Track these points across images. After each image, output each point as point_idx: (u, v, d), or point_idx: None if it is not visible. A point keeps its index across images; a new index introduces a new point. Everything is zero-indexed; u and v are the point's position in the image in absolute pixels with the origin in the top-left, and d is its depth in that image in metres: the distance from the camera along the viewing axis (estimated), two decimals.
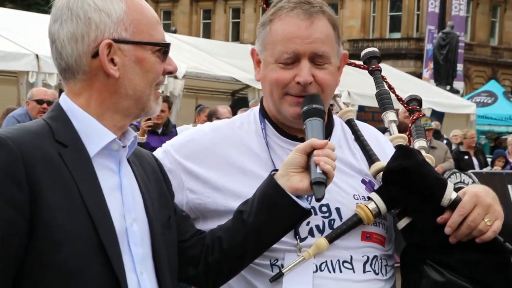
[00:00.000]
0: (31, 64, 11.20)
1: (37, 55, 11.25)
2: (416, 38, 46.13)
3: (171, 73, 1.96)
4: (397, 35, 49.65)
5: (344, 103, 2.51)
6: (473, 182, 12.10)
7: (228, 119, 2.41)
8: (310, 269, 2.14)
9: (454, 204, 2.15)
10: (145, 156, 2.09)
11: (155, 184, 2.04)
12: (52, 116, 1.89)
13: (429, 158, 2.34)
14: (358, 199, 2.24)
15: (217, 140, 2.28)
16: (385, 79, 2.54)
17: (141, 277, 1.87)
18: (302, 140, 2.19)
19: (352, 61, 2.53)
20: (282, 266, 2.16)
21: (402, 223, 2.22)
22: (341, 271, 2.17)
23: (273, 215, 2.04)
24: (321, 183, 1.98)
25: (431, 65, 26.70)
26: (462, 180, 12.02)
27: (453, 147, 14.00)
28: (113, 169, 1.90)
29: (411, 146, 2.40)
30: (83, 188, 1.79)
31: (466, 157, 13.50)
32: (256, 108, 2.35)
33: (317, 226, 2.18)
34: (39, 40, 12.16)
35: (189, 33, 46.97)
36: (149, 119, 7.85)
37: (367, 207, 2.20)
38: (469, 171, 12.46)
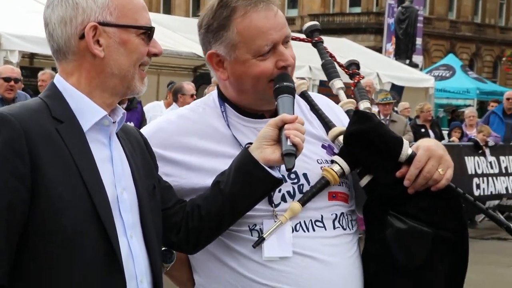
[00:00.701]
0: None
1: None
2: (376, 12, 46.43)
3: (156, 55, 2.11)
4: (357, 10, 49.92)
5: (299, 77, 2.64)
6: None
7: (190, 105, 2.55)
8: (289, 231, 2.33)
9: (410, 159, 2.34)
10: (132, 132, 2.25)
11: (141, 157, 2.19)
12: (48, 95, 2.04)
13: (352, 104, 2.58)
14: (321, 163, 2.43)
15: (184, 126, 2.43)
16: (327, 49, 2.70)
17: (131, 241, 2.04)
18: (262, 117, 2.40)
19: (296, 35, 2.69)
20: (261, 230, 2.33)
21: (364, 180, 2.41)
22: (314, 230, 2.35)
23: (247, 184, 2.21)
24: (291, 154, 2.15)
25: (394, 39, 26.95)
26: None
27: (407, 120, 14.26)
28: (104, 142, 2.06)
29: (358, 108, 2.58)
30: (79, 160, 1.94)
31: (423, 130, 13.73)
32: (214, 93, 2.50)
33: (288, 192, 2.36)
34: (1, 17, 12.15)
35: (149, 8, 46.66)
36: None
37: (332, 169, 2.38)
38: None
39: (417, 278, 2.38)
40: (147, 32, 2.07)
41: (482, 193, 13.28)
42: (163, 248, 2.37)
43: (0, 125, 1.86)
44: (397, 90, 18.42)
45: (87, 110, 2.02)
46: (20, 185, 1.85)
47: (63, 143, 1.93)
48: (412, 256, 2.37)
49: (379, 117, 12.15)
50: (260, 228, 2.33)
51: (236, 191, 2.22)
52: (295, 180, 2.37)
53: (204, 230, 2.27)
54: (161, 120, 2.49)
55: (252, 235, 2.33)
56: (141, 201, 2.10)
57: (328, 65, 2.67)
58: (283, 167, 2.21)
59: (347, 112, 2.57)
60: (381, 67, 18.73)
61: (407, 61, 24.68)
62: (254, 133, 2.37)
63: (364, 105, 2.59)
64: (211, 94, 2.52)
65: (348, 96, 2.64)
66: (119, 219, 2.01)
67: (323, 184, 2.36)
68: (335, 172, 2.37)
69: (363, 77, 2.70)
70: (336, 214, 2.41)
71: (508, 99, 14.58)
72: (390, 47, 26.88)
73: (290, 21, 51.30)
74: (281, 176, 2.24)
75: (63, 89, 2.03)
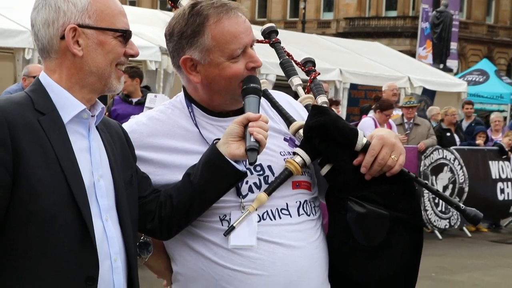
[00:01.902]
0: (27, 41, 11.26)
1: None
2: (412, 16, 46.25)
3: (133, 56, 2.31)
4: (393, 13, 49.77)
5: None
6: (455, 158, 12.45)
7: (159, 107, 2.73)
8: (254, 220, 2.50)
9: (365, 147, 2.54)
10: (113, 125, 2.45)
11: (120, 149, 2.39)
12: (33, 89, 2.25)
13: (311, 99, 2.78)
14: (284, 155, 2.61)
15: (154, 127, 2.61)
16: (284, 49, 2.88)
17: (106, 223, 2.23)
18: (227, 115, 2.60)
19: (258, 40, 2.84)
20: (231, 220, 2.52)
21: (325, 169, 2.60)
22: (280, 217, 2.53)
23: (214, 176, 2.41)
24: (254, 149, 2.35)
25: (431, 43, 26.87)
26: (444, 156, 12.35)
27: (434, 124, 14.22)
28: (83, 134, 2.25)
29: (316, 102, 2.78)
30: (58, 149, 2.13)
31: (448, 134, 13.80)
32: (181, 95, 2.68)
33: (255, 183, 2.54)
34: None
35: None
36: None
37: (294, 160, 2.56)
38: (452, 147, 12.77)
39: (377, 257, 2.56)
40: (124, 35, 2.27)
41: (506, 198, 13.30)
42: (141, 240, 2.58)
43: None
44: (429, 95, 18.43)
45: (68, 104, 2.21)
46: (2, 170, 2.04)
47: (43, 133, 2.13)
48: (372, 237, 2.55)
49: (403, 120, 12.27)
50: (230, 219, 2.51)
51: (204, 182, 2.41)
52: (261, 172, 2.55)
53: (176, 218, 2.46)
54: (133, 123, 2.67)
55: (222, 225, 2.51)
56: (117, 187, 2.29)
57: (286, 63, 2.85)
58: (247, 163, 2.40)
59: (306, 106, 2.76)
60: (413, 71, 18.76)
61: (441, 66, 24.61)
62: (220, 130, 2.55)
63: (321, 99, 2.78)
64: (178, 96, 2.71)
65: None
66: (95, 203, 2.20)
67: (286, 174, 2.54)
68: (297, 163, 2.55)
69: (319, 74, 2.88)
70: (300, 202, 2.58)
71: None
72: (423, 51, 26.84)
73: (326, 24, 51.35)
74: (245, 169, 2.43)
75: (47, 85, 2.23)
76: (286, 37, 18.95)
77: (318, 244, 2.60)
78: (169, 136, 2.59)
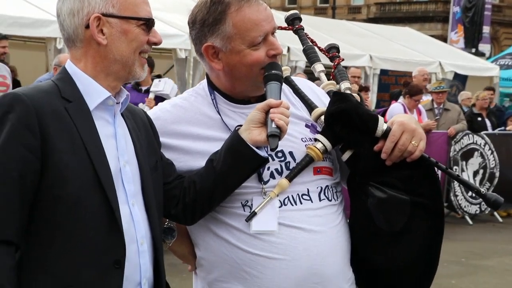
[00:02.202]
0: (58, 31, 11.49)
1: None
2: (443, 0, 45.73)
3: (156, 44, 2.37)
4: None
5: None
6: (486, 143, 12.37)
7: (183, 95, 2.80)
8: (276, 205, 2.55)
9: (386, 133, 2.57)
10: (138, 112, 2.52)
11: (145, 135, 2.46)
12: (60, 77, 2.33)
13: (333, 85, 2.81)
14: (305, 141, 2.64)
15: (177, 114, 2.67)
16: (308, 35, 2.91)
17: (133, 208, 2.30)
18: (249, 102, 2.65)
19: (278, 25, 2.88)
20: (252, 206, 2.57)
21: (346, 155, 2.63)
22: (301, 203, 2.58)
23: (237, 162, 2.47)
24: (275, 135, 2.40)
25: (462, 28, 26.61)
26: (475, 141, 12.27)
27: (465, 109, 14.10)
28: (109, 120, 2.33)
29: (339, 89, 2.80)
30: (84, 135, 2.21)
31: (479, 118, 13.69)
32: (204, 82, 2.74)
33: (276, 170, 2.58)
34: None
35: None
36: None
37: (315, 147, 2.60)
38: (482, 132, 12.68)
39: (398, 242, 2.61)
40: (147, 23, 2.33)
41: None
42: (165, 226, 2.65)
43: (14, 104, 2.15)
44: (460, 80, 18.30)
45: (93, 91, 2.29)
46: (31, 156, 2.13)
47: (70, 120, 2.21)
48: (393, 222, 2.59)
49: (433, 105, 12.22)
50: (252, 205, 2.56)
51: (226, 168, 2.47)
52: (282, 158, 2.60)
53: (199, 203, 2.52)
54: (157, 110, 2.74)
55: (244, 211, 2.57)
56: (142, 173, 2.37)
57: (309, 50, 2.89)
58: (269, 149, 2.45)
59: (328, 93, 2.79)
60: (444, 56, 18.62)
61: (473, 50, 24.38)
62: (241, 117, 2.61)
63: (344, 85, 2.80)
64: (201, 84, 2.76)
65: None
66: (121, 188, 2.28)
67: (307, 161, 2.59)
68: (318, 149, 2.59)
69: (342, 60, 2.91)
70: (321, 187, 2.63)
71: None
72: (455, 35, 26.60)
73: (356, 9, 51.09)
74: (266, 155, 2.48)
75: (73, 73, 2.32)
76: (316, 23, 18.90)
77: (340, 228, 2.65)
78: (192, 123, 2.65)
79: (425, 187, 2.62)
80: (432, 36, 24.88)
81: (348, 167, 2.68)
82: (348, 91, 2.76)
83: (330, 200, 2.65)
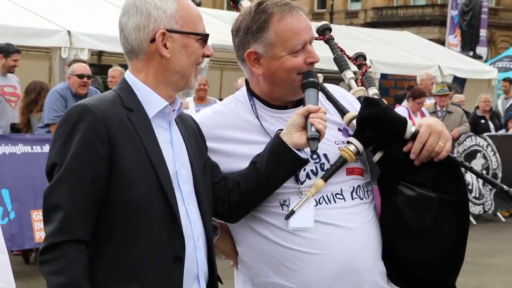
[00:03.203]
0: (63, 40, 11.57)
1: (69, 31, 11.66)
2: (440, 4, 46.02)
3: (208, 56, 2.55)
4: (421, 2, 49.50)
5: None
6: (488, 144, 12.52)
7: (223, 102, 2.97)
8: (312, 204, 2.72)
9: (414, 135, 2.74)
10: (186, 118, 2.69)
11: (194, 140, 2.63)
12: (121, 88, 2.49)
13: (363, 91, 2.99)
14: (339, 144, 2.82)
15: (220, 120, 2.85)
16: (337, 44, 3.10)
17: (188, 207, 2.47)
18: (286, 108, 2.83)
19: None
20: (290, 205, 2.73)
21: (377, 156, 2.80)
22: (335, 201, 2.75)
23: (279, 164, 2.63)
24: (315, 139, 2.58)
25: (459, 32, 26.75)
26: (478, 143, 12.43)
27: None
28: (165, 127, 2.50)
29: (367, 94, 2.98)
30: (146, 141, 2.39)
31: (483, 121, 13.83)
32: (244, 89, 2.91)
33: (312, 170, 2.76)
34: (71, 16, 12.65)
35: (213, 5, 47.32)
36: None
37: (348, 149, 2.77)
38: (484, 134, 12.84)
39: (428, 238, 2.76)
40: (203, 38, 2.51)
41: None
42: None
43: (85, 114, 2.32)
44: (459, 82, 18.41)
45: (152, 101, 2.46)
46: (101, 163, 2.31)
47: (133, 128, 2.38)
48: (422, 219, 2.75)
49: (436, 108, 12.35)
50: (289, 203, 2.73)
51: (269, 169, 2.64)
52: (317, 160, 2.77)
53: (243, 203, 2.69)
54: (200, 116, 2.91)
55: (282, 209, 2.74)
56: (195, 175, 2.54)
57: (339, 58, 3.07)
58: (306, 149, 2.63)
59: (358, 98, 2.97)
60: (443, 60, 18.76)
61: (471, 53, 24.51)
62: (279, 122, 2.79)
63: (372, 91, 2.99)
64: (241, 91, 2.93)
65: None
66: (178, 190, 2.45)
67: (341, 162, 2.76)
68: (351, 151, 2.76)
69: (369, 67, 3.11)
70: (354, 187, 2.80)
71: None
72: (453, 39, 26.74)
73: (354, 14, 51.26)
74: (307, 157, 2.65)
75: (133, 83, 2.48)
76: (314, 28, 18.97)
77: (371, 225, 2.81)
78: (233, 128, 2.82)
79: (451, 185, 2.78)
80: (429, 40, 24.99)
81: (379, 168, 2.84)
82: (376, 96, 2.92)
83: (362, 199, 2.81)
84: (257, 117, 2.81)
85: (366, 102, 2.80)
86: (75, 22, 12.33)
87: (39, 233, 7.83)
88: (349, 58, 3.10)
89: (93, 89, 9.36)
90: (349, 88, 3.07)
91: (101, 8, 13.91)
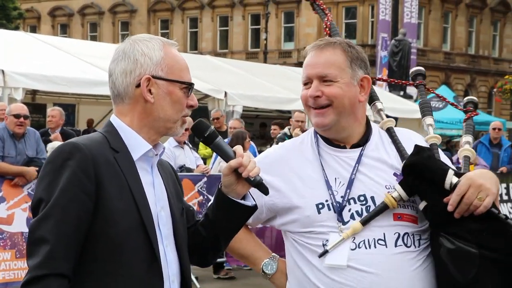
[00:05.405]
0: None
1: (2, 71, 11.54)
2: (371, 45, 46.75)
3: (192, 107, 2.60)
4: (352, 42, 50.32)
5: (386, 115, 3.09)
6: None
7: (295, 138, 3.07)
8: (347, 246, 2.75)
9: (455, 187, 2.70)
10: (165, 164, 2.75)
11: (172, 184, 2.70)
12: (107, 130, 2.56)
13: (469, 151, 3.06)
14: (389, 188, 2.82)
15: (282, 154, 2.97)
16: (429, 89, 3.24)
17: (167, 249, 2.54)
18: (344, 147, 2.90)
19: (397, 80, 3.36)
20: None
21: (422, 205, 2.78)
22: (375, 247, 2.75)
23: (229, 215, 2.64)
24: (261, 183, 2.56)
25: (386, 71, 27.33)
26: None
27: None
28: (148, 170, 2.58)
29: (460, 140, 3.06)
30: (131, 182, 2.46)
31: None
32: (312, 129, 2.99)
33: (357, 211, 2.79)
34: (5, 55, 12.55)
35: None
36: None
37: (391, 195, 2.77)
38: None
39: None
40: (188, 87, 2.58)
41: None
42: (267, 259, 2.99)
43: (75, 152, 2.39)
44: None
45: (137, 144, 2.54)
46: (87, 200, 2.37)
47: (119, 168, 2.46)
48: (463, 273, 2.68)
49: None
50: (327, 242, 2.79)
51: (220, 219, 2.65)
52: (364, 202, 2.81)
53: (208, 247, 2.73)
54: (271, 149, 3.06)
55: (323, 249, 2.79)
56: (174, 217, 2.61)
57: (424, 104, 3.17)
58: (350, 192, 2.78)
59: (431, 145, 2.97)
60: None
61: (402, 93, 25.03)
62: (335, 160, 2.87)
63: (465, 138, 3.11)
64: (309, 131, 3.03)
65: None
66: (158, 230, 2.51)
67: (381, 207, 2.77)
68: (393, 197, 2.76)
69: (476, 114, 3.23)
70: (399, 233, 2.78)
71: (494, 129, 14.90)
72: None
73: (287, 54, 51.87)
74: (254, 203, 2.65)
75: (118, 126, 2.55)
76: (250, 68, 19.13)
77: (415, 275, 2.77)
78: (292, 162, 2.91)
79: (497, 242, 2.69)
80: None
81: (424, 217, 2.81)
82: (467, 146, 3.01)
83: (409, 247, 2.78)
84: (318, 153, 2.89)
85: (414, 149, 2.80)
86: (9, 61, 12.23)
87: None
88: (453, 104, 3.41)
89: (31, 129, 9.28)
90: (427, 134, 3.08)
91: (36, 48, 13.82)
